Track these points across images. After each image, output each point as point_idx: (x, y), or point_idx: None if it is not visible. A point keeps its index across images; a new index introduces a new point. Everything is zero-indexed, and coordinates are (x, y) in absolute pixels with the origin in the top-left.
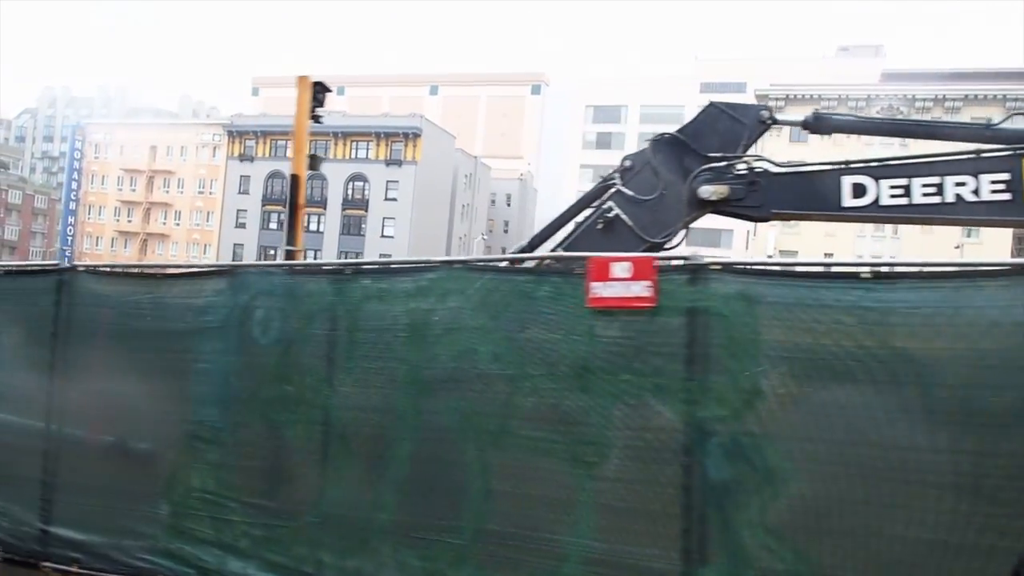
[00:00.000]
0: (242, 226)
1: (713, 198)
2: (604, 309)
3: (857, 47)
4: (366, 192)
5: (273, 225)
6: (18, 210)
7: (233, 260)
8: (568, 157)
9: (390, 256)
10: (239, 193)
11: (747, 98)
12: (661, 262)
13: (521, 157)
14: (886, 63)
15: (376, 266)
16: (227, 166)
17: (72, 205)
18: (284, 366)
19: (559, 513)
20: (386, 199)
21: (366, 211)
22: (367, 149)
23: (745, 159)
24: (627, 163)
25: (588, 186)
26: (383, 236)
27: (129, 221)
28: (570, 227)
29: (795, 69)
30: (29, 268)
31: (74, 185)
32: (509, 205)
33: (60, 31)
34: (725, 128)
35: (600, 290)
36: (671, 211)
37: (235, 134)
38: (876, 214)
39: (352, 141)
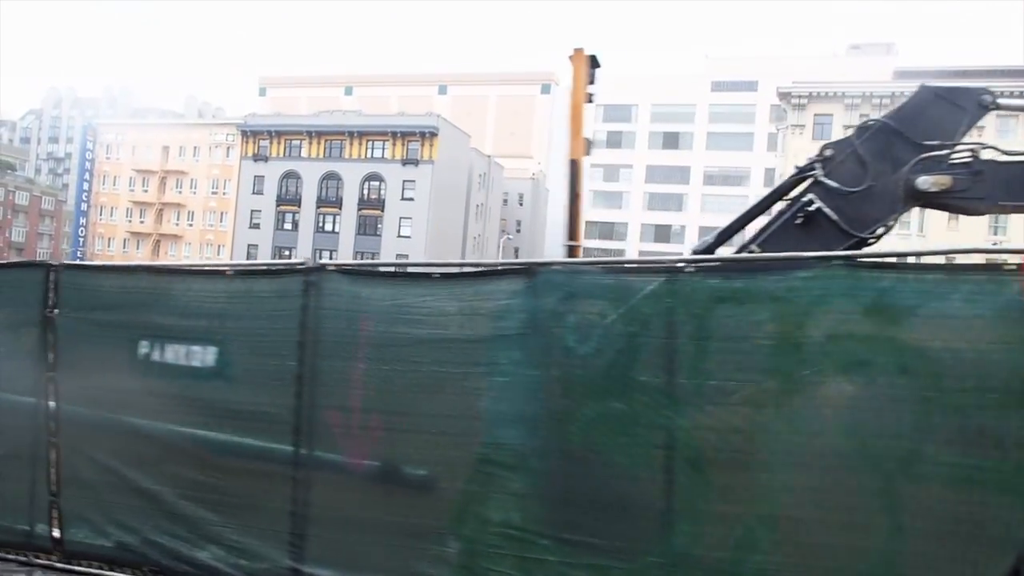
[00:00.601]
0: (256, 227)
1: (933, 189)
2: None
3: (868, 45)
4: (382, 192)
5: (288, 226)
6: (25, 212)
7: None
8: None
9: (407, 257)
10: (253, 193)
11: (759, 97)
12: None
13: (531, 157)
14: (898, 61)
15: (721, 262)
16: (241, 166)
17: (83, 206)
18: (609, 380)
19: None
20: (402, 199)
21: (382, 211)
22: (383, 148)
23: (969, 147)
24: (828, 152)
25: (599, 185)
26: (400, 236)
27: (141, 222)
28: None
29: (806, 67)
30: (272, 268)
31: (85, 186)
32: (521, 205)
33: (64, 31)
34: (941, 113)
35: None
36: (880, 204)
37: (249, 134)
38: None
39: (368, 140)
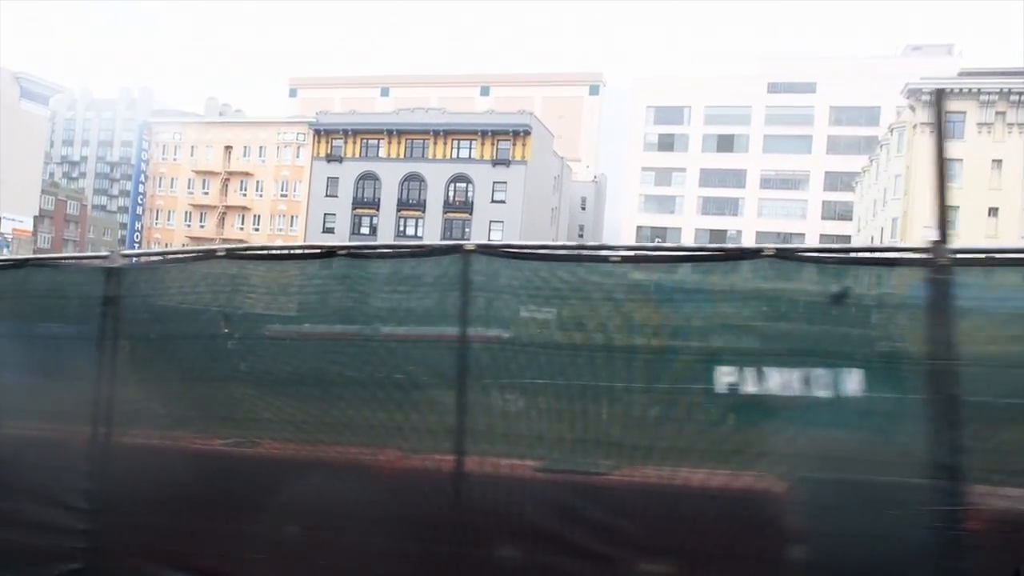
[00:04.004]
0: (330, 231)
1: None
2: None
3: (928, 46)
4: (470, 194)
5: (365, 230)
6: (50, 217)
7: None
8: (629, 159)
9: None
10: (326, 196)
11: (817, 98)
12: None
13: (579, 160)
14: (962, 62)
15: None
16: (312, 167)
17: (138, 209)
18: None
19: None
20: (492, 201)
21: (470, 214)
22: (470, 148)
23: None
24: None
25: (651, 190)
26: (490, 240)
27: (201, 226)
28: None
29: (866, 69)
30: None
31: (140, 188)
32: (584, 209)
33: (77, 32)
34: None
35: None
36: None
37: (322, 133)
38: None
39: (453, 140)
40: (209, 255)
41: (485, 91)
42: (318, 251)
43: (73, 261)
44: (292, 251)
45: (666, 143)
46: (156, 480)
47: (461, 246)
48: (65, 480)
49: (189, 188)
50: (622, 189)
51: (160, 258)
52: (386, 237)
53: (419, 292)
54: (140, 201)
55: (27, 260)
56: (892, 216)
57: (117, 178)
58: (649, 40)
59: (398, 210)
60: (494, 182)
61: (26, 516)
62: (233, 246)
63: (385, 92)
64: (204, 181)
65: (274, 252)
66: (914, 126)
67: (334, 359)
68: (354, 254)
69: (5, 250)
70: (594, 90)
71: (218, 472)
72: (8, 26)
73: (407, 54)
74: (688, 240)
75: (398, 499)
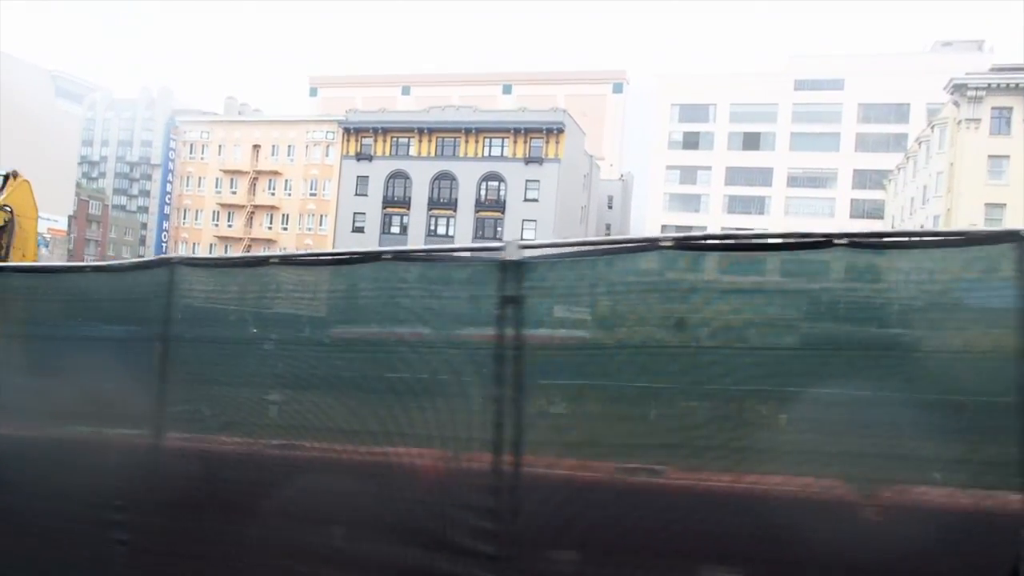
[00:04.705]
0: (359, 230)
1: None
2: None
3: (959, 42)
4: (502, 192)
5: (395, 229)
6: (73, 217)
7: None
8: (653, 157)
9: None
10: (356, 195)
11: (845, 96)
12: None
13: (603, 158)
14: (994, 58)
15: None
16: (342, 166)
17: (165, 208)
18: None
19: None
20: (525, 200)
21: (503, 213)
22: (502, 146)
23: None
24: None
25: (676, 188)
26: (523, 239)
27: (229, 226)
28: None
29: (894, 66)
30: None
31: (168, 187)
32: (611, 208)
33: (96, 33)
34: None
35: None
36: None
37: (351, 131)
38: None
39: (485, 138)
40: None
41: (507, 89)
42: None
43: (467, 254)
44: None
45: (691, 141)
46: (575, 516)
47: None
48: (463, 517)
49: (217, 187)
50: (646, 188)
51: (572, 249)
52: (417, 236)
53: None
54: (167, 200)
55: (384, 253)
56: (933, 214)
57: (137, 178)
58: (672, 38)
59: (429, 209)
60: (527, 180)
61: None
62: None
63: (406, 91)
64: (232, 180)
65: None
66: (958, 122)
67: None
68: None
69: (44, 249)
70: (617, 88)
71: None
72: (26, 25)
73: (427, 53)
74: None
75: None
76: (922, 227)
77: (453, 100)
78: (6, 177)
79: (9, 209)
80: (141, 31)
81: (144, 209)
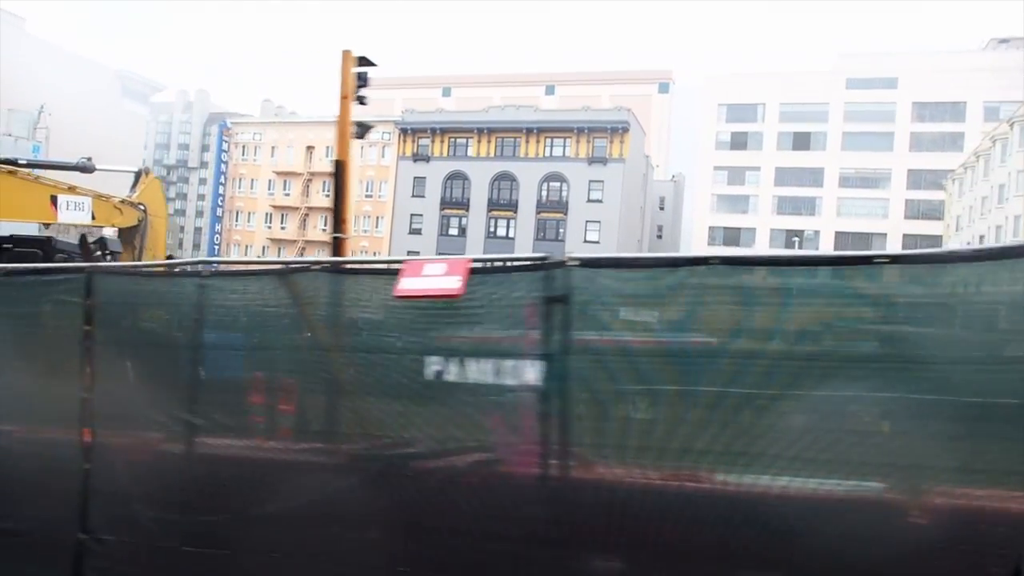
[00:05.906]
0: (416, 232)
1: None
2: None
3: (1015, 39)
4: (564, 193)
5: (454, 231)
6: None
7: None
8: (700, 158)
9: None
10: (413, 196)
11: (899, 94)
12: None
13: (648, 157)
14: None
15: None
16: (398, 167)
17: (218, 211)
18: None
19: None
20: (588, 200)
21: (565, 214)
22: (564, 146)
23: None
24: None
25: (723, 189)
26: (586, 241)
27: (282, 228)
28: None
29: (949, 64)
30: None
31: (220, 190)
32: (662, 209)
33: (131, 34)
34: None
35: None
36: None
37: (408, 132)
38: None
39: (547, 138)
40: None
41: (550, 90)
42: None
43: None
44: None
45: (739, 141)
46: None
47: None
48: None
49: (269, 189)
50: (694, 189)
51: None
52: (476, 238)
53: None
54: (220, 203)
55: None
56: (1014, 213)
57: (174, 181)
58: (718, 37)
59: (489, 210)
60: (590, 181)
61: None
62: None
63: (447, 92)
64: (285, 182)
65: None
66: None
67: None
68: None
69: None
70: (663, 88)
71: None
72: (57, 27)
73: (466, 54)
74: (763, 240)
75: None
76: (999, 227)
77: (494, 100)
78: (138, 174)
79: (143, 207)
80: (170, 33)
81: (181, 212)
